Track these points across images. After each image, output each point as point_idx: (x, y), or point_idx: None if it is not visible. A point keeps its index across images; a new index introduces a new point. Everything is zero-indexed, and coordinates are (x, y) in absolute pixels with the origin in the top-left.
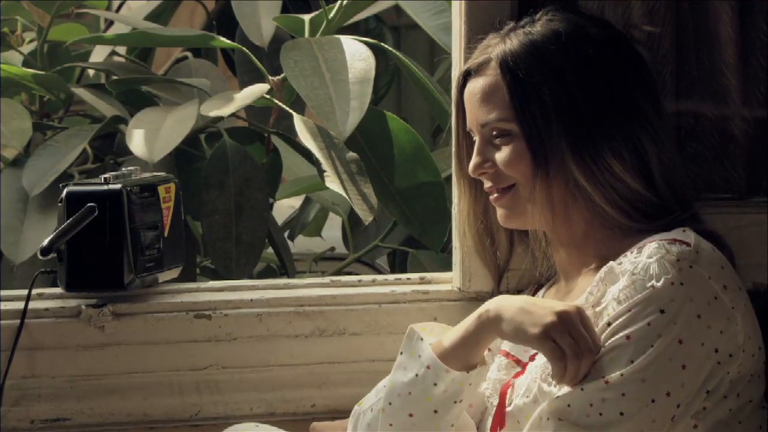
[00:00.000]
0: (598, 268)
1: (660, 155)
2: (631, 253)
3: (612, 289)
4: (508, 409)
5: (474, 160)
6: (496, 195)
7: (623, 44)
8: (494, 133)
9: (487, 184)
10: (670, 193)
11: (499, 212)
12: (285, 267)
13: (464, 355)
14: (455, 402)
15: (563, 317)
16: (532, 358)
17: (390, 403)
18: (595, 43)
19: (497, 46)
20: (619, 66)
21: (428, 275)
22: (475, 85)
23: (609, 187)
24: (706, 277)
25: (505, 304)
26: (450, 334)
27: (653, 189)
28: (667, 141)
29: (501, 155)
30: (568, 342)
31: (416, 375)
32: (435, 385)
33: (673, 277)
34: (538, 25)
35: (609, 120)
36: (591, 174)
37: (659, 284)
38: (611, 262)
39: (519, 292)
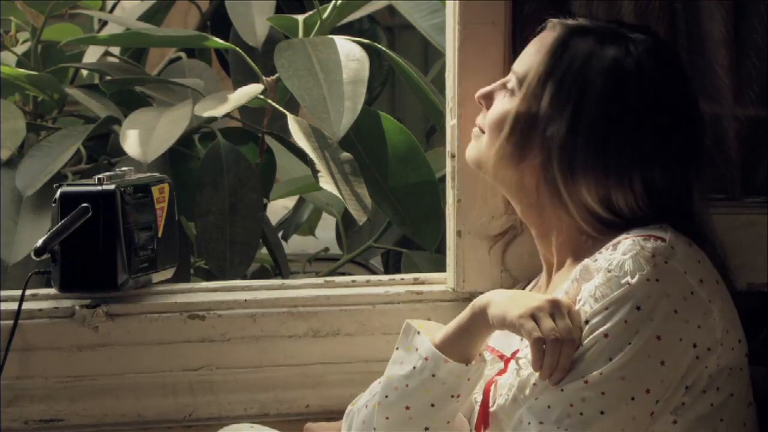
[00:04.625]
0: (574, 262)
1: (643, 198)
2: (606, 249)
3: (587, 286)
4: (491, 409)
5: (487, 87)
6: (476, 129)
7: (674, 111)
8: (509, 83)
9: (479, 117)
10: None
11: (469, 146)
12: (279, 267)
13: (460, 347)
14: (452, 396)
15: (551, 302)
16: (514, 355)
17: (386, 396)
18: (646, 100)
19: (578, 30)
20: (652, 128)
21: (422, 276)
22: (542, 38)
23: (581, 206)
24: (682, 272)
25: (497, 293)
26: (445, 328)
27: (623, 218)
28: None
29: (494, 105)
30: (549, 325)
31: (414, 367)
32: (433, 376)
33: (648, 273)
34: (624, 45)
35: (611, 157)
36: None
37: (634, 281)
38: (586, 260)
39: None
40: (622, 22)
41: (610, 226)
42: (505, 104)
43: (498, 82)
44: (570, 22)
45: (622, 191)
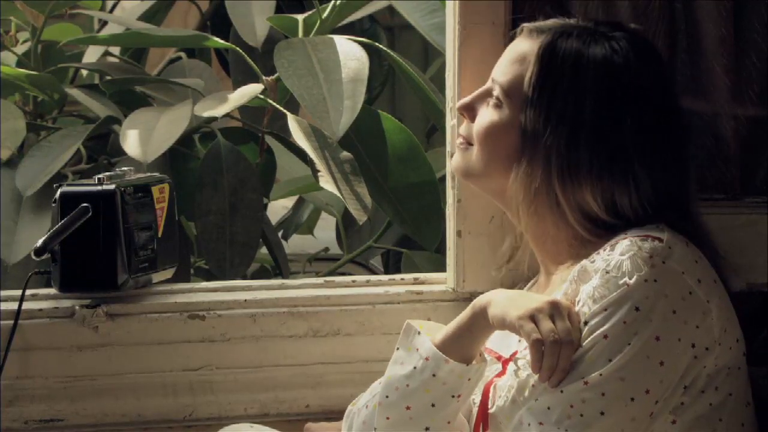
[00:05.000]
0: (573, 263)
1: (641, 199)
2: (604, 250)
3: (586, 287)
4: (491, 410)
5: (467, 98)
6: (461, 141)
7: (664, 114)
8: (494, 93)
9: (462, 128)
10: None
11: (454, 157)
12: (279, 267)
13: (460, 347)
14: (453, 396)
15: (551, 303)
16: (512, 357)
17: (387, 396)
18: (640, 95)
19: (561, 34)
20: (649, 123)
21: (422, 276)
22: (520, 44)
23: (580, 212)
24: (680, 272)
25: (498, 293)
26: (446, 328)
27: (625, 219)
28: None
29: (480, 117)
30: (549, 327)
31: (414, 367)
32: (434, 376)
33: (646, 274)
34: (608, 44)
35: (614, 159)
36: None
37: (632, 282)
38: (584, 261)
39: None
40: (595, 20)
41: (608, 229)
42: (493, 116)
43: (477, 93)
44: (546, 24)
45: (627, 192)
